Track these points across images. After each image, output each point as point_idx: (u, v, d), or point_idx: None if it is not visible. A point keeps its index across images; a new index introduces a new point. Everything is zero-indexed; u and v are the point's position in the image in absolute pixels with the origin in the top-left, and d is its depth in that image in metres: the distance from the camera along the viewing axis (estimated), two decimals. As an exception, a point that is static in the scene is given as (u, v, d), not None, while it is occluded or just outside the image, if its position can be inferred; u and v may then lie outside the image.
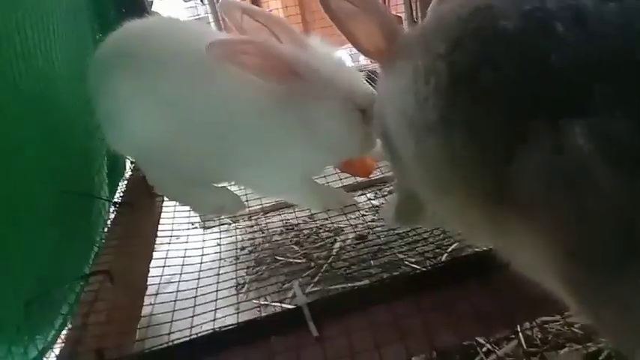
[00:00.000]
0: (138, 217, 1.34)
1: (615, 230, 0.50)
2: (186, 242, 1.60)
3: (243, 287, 1.76)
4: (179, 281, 1.32)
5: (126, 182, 1.53)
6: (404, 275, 0.84)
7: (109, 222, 1.28)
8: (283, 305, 1.55)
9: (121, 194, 1.45)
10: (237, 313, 1.37)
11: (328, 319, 0.74)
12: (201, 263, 1.45)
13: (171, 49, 1.16)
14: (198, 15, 2.98)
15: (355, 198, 2.18)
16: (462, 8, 0.63)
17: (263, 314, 1.25)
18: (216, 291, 1.24)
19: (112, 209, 1.33)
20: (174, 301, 1.18)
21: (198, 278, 1.29)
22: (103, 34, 1.74)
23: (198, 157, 1.17)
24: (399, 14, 2.80)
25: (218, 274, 1.43)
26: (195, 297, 1.16)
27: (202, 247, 1.60)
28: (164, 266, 1.36)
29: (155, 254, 1.62)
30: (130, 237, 1.23)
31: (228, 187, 1.39)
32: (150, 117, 1.15)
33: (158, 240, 1.56)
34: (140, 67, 1.16)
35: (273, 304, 1.61)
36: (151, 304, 1.34)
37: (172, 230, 1.47)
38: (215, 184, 1.34)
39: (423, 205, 0.91)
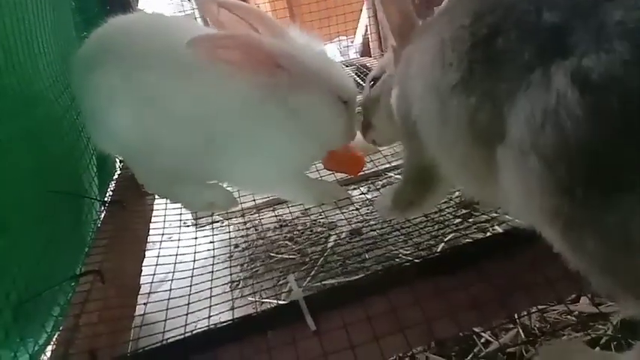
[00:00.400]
0: (129, 216, 1.31)
1: (593, 159, 0.60)
2: (179, 240, 1.58)
3: (237, 285, 1.75)
4: (172, 280, 1.30)
5: (116, 181, 1.50)
6: (399, 266, 0.83)
7: (99, 221, 1.26)
8: (279, 302, 1.54)
9: (111, 193, 1.43)
10: (233, 310, 1.35)
11: (325, 313, 0.72)
12: (194, 261, 1.43)
13: (154, 45, 1.14)
14: (184, 11, 2.94)
15: (349, 192, 2.18)
16: None
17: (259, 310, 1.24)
18: (210, 288, 1.22)
19: (101, 208, 1.30)
20: (168, 299, 1.16)
21: (192, 276, 1.28)
22: (87, 31, 1.72)
23: (184, 155, 1.16)
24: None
25: (212, 272, 1.41)
26: (189, 295, 1.14)
27: (195, 245, 1.58)
28: (156, 265, 1.34)
29: (148, 253, 1.60)
30: (121, 236, 1.21)
31: (220, 184, 1.37)
32: (133, 114, 1.13)
33: (151, 238, 1.53)
34: (123, 64, 1.15)
35: (269, 300, 1.60)
36: (145, 303, 1.32)
37: (164, 228, 1.45)
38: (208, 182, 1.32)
39: (431, 179, 1.01)
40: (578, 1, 0.66)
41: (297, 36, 1.14)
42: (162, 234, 1.52)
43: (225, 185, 1.38)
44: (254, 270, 1.81)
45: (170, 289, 1.21)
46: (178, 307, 1.14)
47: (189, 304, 1.15)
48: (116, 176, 1.51)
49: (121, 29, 1.23)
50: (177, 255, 1.38)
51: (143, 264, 1.37)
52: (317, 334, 0.71)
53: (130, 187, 1.36)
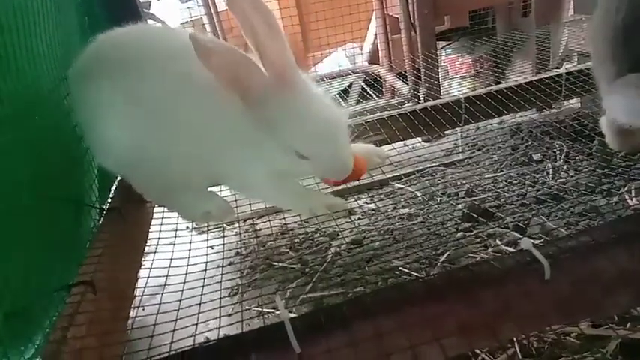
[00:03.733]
0: (127, 224, 1.31)
1: None
2: (179, 249, 1.57)
3: (236, 292, 1.75)
4: (164, 287, 1.29)
5: (116, 187, 1.50)
6: (386, 290, 0.81)
7: (95, 230, 1.26)
8: (276, 312, 1.53)
9: (110, 200, 1.43)
10: (229, 316, 1.35)
11: (311, 336, 0.71)
12: (188, 265, 1.41)
13: (147, 57, 1.15)
14: (195, 16, 2.96)
15: (351, 201, 2.17)
16: None
17: (248, 326, 1.23)
18: (205, 294, 1.21)
19: (99, 216, 1.30)
20: (160, 306, 1.15)
21: (185, 282, 1.26)
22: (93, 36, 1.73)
23: (180, 162, 1.16)
24: (394, 15, 2.78)
25: (211, 280, 1.41)
26: (181, 302, 1.12)
27: (196, 254, 1.57)
28: (148, 276, 1.34)
29: (148, 261, 1.60)
30: (117, 245, 1.21)
31: (217, 193, 1.37)
32: (128, 125, 1.15)
33: (151, 247, 1.53)
34: (116, 77, 1.16)
35: (266, 310, 1.60)
36: (142, 309, 1.32)
37: (159, 238, 1.44)
38: (203, 190, 1.32)
39: None
40: None
41: (297, 75, 1.09)
42: (158, 240, 1.52)
43: (222, 195, 1.39)
44: (253, 279, 1.81)
45: (161, 300, 1.20)
46: (180, 318, 1.12)
47: (183, 311, 1.14)
48: (117, 183, 1.51)
49: (114, 42, 1.24)
50: (169, 265, 1.37)
51: (139, 272, 1.37)
52: (301, 358, 0.70)
53: (129, 194, 1.36)
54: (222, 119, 1.09)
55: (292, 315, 0.77)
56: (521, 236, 1.65)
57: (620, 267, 0.75)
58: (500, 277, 0.74)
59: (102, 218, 1.31)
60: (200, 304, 1.06)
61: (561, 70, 1.66)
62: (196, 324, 0.99)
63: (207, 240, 1.85)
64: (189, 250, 1.38)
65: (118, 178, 1.50)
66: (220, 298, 1.18)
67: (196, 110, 1.09)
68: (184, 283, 1.30)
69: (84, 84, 1.22)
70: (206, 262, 1.66)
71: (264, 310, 1.58)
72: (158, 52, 1.16)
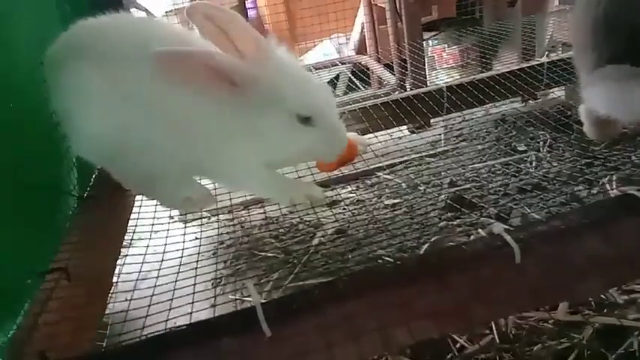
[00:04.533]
0: (106, 212, 1.30)
1: None
2: (162, 239, 1.57)
3: (220, 282, 1.75)
4: (146, 275, 1.29)
5: (96, 175, 1.48)
6: (358, 274, 0.82)
7: (73, 217, 1.24)
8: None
9: (89, 188, 1.41)
10: (214, 307, 1.35)
11: (282, 320, 0.71)
12: (170, 255, 1.41)
13: (126, 45, 1.14)
14: (177, 4, 2.93)
15: (336, 192, 2.18)
16: None
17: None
18: (194, 284, 1.21)
19: (77, 204, 1.29)
20: (151, 296, 1.14)
21: (166, 271, 1.26)
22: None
23: (156, 151, 1.15)
24: (381, 5, 2.77)
25: (195, 271, 1.41)
26: (155, 289, 1.13)
27: (179, 244, 1.57)
28: (133, 262, 1.33)
29: (133, 250, 1.59)
30: (94, 232, 1.20)
31: (197, 180, 1.36)
32: (105, 112, 1.13)
33: (134, 236, 1.52)
34: (96, 63, 1.14)
35: (249, 299, 1.59)
36: (126, 299, 1.31)
37: (136, 226, 1.43)
38: (182, 176, 1.31)
39: None
40: None
41: (276, 50, 1.11)
42: (135, 230, 1.50)
43: (203, 182, 1.38)
44: (237, 268, 1.81)
45: (155, 286, 1.20)
46: (160, 303, 1.12)
47: (173, 299, 1.13)
48: (97, 170, 1.49)
49: (92, 30, 1.22)
50: (153, 253, 1.37)
51: (118, 260, 1.36)
52: (272, 341, 0.70)
53: (109, 181, 1.34)
54: (202, 109, 1.08)
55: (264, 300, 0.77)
56: (506, 226, 1.67)
57: (592, 252, 0.75)
58: (470, 261, 0.74)
59: (80, 206, 1.30)
60: (174, 290, 1.06)
61: (543, 60, 1.66)
62: (169, 310, 0.98)
63: (192, 231, 1.85)
64: (168, 240, 1.37)
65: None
66: (196, 288, 1.17)
67: (176, 100, 1.08)
68: (164, 271, 1.30)
69: (59, 70, 1.20)
70: (189, 253, 1.66)
71: (243, 298, 1.58)
72: (137, 41, 1.15)
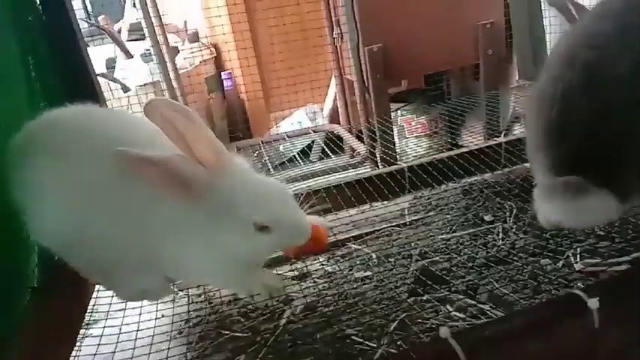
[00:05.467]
0: (62, 303, 1.27)
1: None
2: (128, 318, 1.53)
3: (185, 366, 1.69)
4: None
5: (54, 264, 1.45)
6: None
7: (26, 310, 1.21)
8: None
9: (46, 277, 1.38)
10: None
11: None
12: (137, 339, 1.38)
13: (87, 139, 1.16)
14: (154, 75, 3.00)
15: (308, 263, 2.16)
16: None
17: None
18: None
19: (30, 295, 1.26)
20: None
21: (132, 354, 1.23)
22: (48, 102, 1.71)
23: (113, 245, 1.14)
24: (352, 77, 2.87)
25: (159, 354, 1.37)
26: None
27: (145, 324, 1.53)
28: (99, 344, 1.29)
29: (93, 330, 1.54)
30: (49, 325, 1.16)
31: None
32: (64, 206, 1.13)
33: (95, 316, 1.49)
34: (56, 157, 1.16)
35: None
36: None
37: (94, 306, 1.40)
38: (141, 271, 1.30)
39: None
40: None
41: (229, 157, 1.14)
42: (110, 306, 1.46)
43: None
44: (202, 350, 1.76)
45: None
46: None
47: None
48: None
49: (56, 122, 1.24)
50: (119, 334, 1.33)
51: (82, 344, 1.31)
52: None
53: (69, 271, 1.32)
54: (160, 210, 1.09)
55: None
56: (469, 300, 1.66)
57: (535, 356, 0.75)
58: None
59: (35, 297, 1.27)
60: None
61: (500, 140, 1.72)
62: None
63: (157, 309, 1.81)
64: (127, 320, 1.35)
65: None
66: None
67: (135, 198, 1.09)
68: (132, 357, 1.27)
69: (23, 160, 1.21)
70: (153, 333, 1.62)
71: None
72: (99, 136, 1.16)
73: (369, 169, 2.31)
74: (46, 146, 1.18)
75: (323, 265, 2.14)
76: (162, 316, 1.86)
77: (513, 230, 2.01)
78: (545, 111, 1.16)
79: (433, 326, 1.58)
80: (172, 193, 1.05)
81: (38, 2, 1.78)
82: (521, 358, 0.75)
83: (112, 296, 1.59)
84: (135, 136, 1.15)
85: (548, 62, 1.25)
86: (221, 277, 1.20)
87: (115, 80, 2.79)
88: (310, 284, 2.01)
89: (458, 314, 1.60)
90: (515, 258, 1.82)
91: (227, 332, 1.80)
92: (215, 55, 4.32)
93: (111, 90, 2.86)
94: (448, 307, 1.67)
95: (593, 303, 0.74)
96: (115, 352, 1.28)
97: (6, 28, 1.44)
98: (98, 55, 3.60)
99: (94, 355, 1.38)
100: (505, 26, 2.78)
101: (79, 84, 1.82)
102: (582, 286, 0.80)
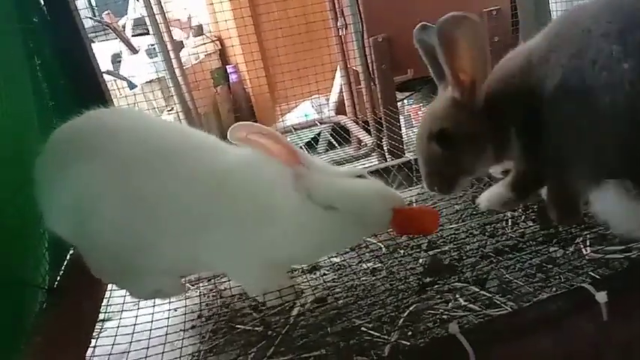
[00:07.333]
0: (76, 302, 1.29)
1: None
2: (142, 313, 1.54)
3: (197, 358, 1.71)
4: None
5: (67, 264, 1.47)
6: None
7: (40, 312, 1.23)
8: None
9: (59, 278, 1.40)
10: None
11: None
12: (150, 337, 1.40)
13: (133, 142, 1.15)
14: (159, 71, 3.00)
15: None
16: None
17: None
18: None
19: (44, 297, 1.28)
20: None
21: (146, 352, 1.25)
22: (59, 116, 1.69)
23: (152, 249, 1.15)
24: (357, 68, 2.85)
25: (172, 346, 1.39)
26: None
27: (158, 318, 1.55)
28: (110, 344, 1.31)
29: (108, 324, 1.57)
30: (63, 326, 1.18)
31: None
32: (118, 212, 1.13)
33: (108, 314, 1.51)
34: (110, 163, 1.13)
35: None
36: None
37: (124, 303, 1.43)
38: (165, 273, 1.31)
39: None
40: None
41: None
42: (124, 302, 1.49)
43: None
44: (215, 343, 1.78)
45: None
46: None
47: None
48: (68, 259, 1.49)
49: (98, 127, 1.22)
50: (134, 328, 1.36)
51: (97, 343, 1.34)
52: None
53: (81, 270, 1.33)
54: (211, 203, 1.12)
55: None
56: (479, 289, 1.67)
57: (544, 351, 0.76)
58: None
59: (48, 298, 1.28)
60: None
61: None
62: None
63: (169, 304, 1.83)
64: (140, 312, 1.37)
65: (70, 253, 1.48)
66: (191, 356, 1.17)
67: (183, 194, 1.10)
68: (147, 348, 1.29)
69: (61, 168, 1.18)
70: (165, 325, 1.64)
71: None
72: (144, 138, 1.16)
73: (377, 162, 2.30)
74: (96, 151, 1.14)
75: (331, 257, 2.15)
76: (175, 310, 1.88)
77: (522, 219, 2.01)
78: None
79: (444, 317, 1.58)
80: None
81: (42, 3, 1.78)
82: (530, 352, 0.75)
83: (125, 295, 1.61)
84: (186, 140, 1.17)
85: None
86: (252, 277, 1.24)
87: (121, 77, 2.80)
88: (320, 276, 2.02)
89: (468, 305, 1.61)
90: (524, 246, 1.81)
91: (239, 326, 1.83)
92: (220, 48, 4.30)
93: (117, 88, 2.86)
94: (458, 297, 1.67)
95: (602, 297, 0.74)
96: (129, 351, 1.30)
97: (11, 31, 1.44)
98: (103, 51, 3.60)
99: (109, 355, 1.40)
100: (511, 13, 2.75)
101: (86, 83, 1.83)
102: (592, 275, 0.80)
